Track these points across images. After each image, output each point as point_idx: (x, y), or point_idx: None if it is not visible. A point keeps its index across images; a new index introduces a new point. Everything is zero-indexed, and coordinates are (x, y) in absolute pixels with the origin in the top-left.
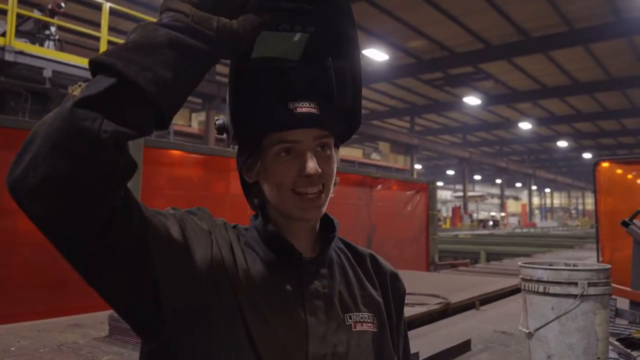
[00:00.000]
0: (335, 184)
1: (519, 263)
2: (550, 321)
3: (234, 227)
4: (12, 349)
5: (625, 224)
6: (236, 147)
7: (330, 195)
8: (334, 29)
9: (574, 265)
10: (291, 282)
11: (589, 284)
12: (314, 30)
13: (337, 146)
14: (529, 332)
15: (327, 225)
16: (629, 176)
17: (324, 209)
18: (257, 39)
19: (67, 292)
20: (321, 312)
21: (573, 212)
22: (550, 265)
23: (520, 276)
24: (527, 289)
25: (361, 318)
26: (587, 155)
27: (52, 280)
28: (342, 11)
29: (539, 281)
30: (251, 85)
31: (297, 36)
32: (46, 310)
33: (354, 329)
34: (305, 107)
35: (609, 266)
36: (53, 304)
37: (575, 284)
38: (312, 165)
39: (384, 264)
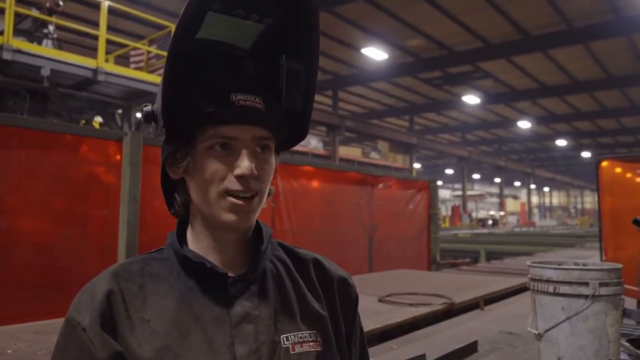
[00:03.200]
0: (270, 193)
1: (528, 263)
2: (561, 322)
3: (134, 261)
4: (9, 351)
5: (637, 223)
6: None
7: (263, 205)
8: (294, 27)
9: (584, 265)
10: (215, 307)
11: (600, 284)
12: (271, 22)
13: (277, 152)
14: (539, 333)
15: (260, 235)
16: (631, 174)
17: (255, 217)
18: (205, 19)
19: (65, 293)
20: (252, 338)
21: (572, 210)
22: (559, 265)
23: (529, 276)
24: (536, 289)
25: (301, 338)
26: (586, 154)
27: (50, 281)
28: (308, 12)
29: (548, 281)
30: (191, 69)
31: (251, 25)
32: (44, 311)
33: (292, 352)
34: (249, 101)
35: (621, 266)
36: (51, 305)
37: (586, 284)
38: (246, 164)
39: (330, 269)
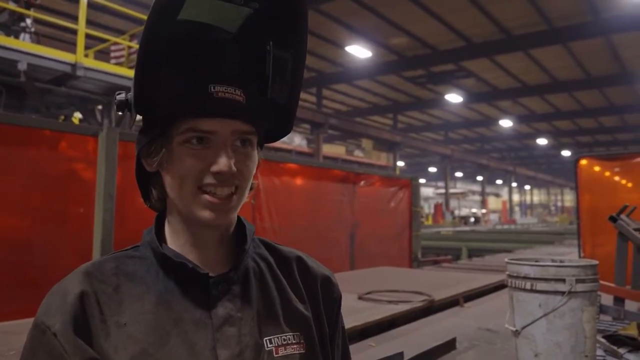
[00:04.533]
0: (252, 188)
1: (505, 260)
2: (538, 319)
3: (107, 260)
4: None
5: (613, 219)
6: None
7: (245, 200)
8: (283, 14)
9: (561, 262)
10: (196, 310)
11: (577, 281)
12: (258, 7)
13: (260, 146)
14: (516, 330)
15: (242, 232)
16: (609, 172)
17: (234, 214)
18: (186, 1)
19: (40, 292)
20: (234, 340)
21: (552, 208)
22: (536, 262)
23: (507, 273)
24: (513, 285)
25: (284, 340)
26: (565, 153)
27: (25, 279)
28: None
29: (525, 278)
30: (168, 55)
31: (236, 8)
32: (16, 310)
33: (276, 355)
34: (228, 93)
35: (597, 262)
36: (24, 304)
37: (563, 280)
38: (224, 161)
39: (313, 267)
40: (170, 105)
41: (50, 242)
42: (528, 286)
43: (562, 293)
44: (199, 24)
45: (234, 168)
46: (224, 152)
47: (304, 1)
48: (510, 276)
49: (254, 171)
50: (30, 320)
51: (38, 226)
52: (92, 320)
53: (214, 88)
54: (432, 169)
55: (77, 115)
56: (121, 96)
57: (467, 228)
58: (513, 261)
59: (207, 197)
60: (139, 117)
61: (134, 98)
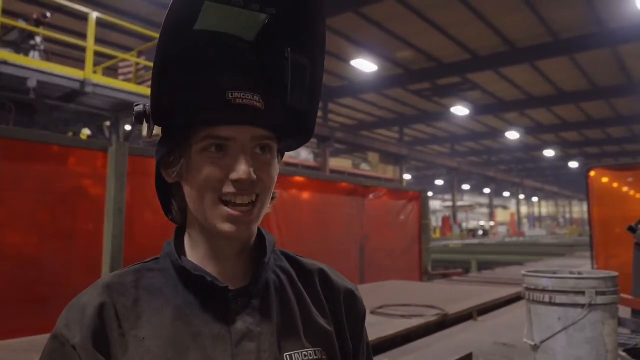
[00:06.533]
0: (273, 198)
1: (522, 272)
2: (557, 332)
3: (128, 272)
4: None
5: (632, 230)
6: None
7: (266, 210)
8: (300, 18)
9: (579, 274)
10: (215, 324)
11: (597, 293)
12: (274, 13)
13: (281, 153)
14: (535, 345)
15: (262, 244)
16: (621, 183)
17: (255, 226)
18: (203, 8)
19: (48, 309)
20: (253, 356)
21: (561, 220)
22: (554, 274)
23: (524, 285)
24: (531, 298)
25: (305, 356)
26: (573, 164)
27: (33, 296)
28: (311, 1)
29: (544, 290)
30: (185, 64)
31: (253, 15)
32: (25, 327)
33: None
34: (246, 99)
35: (617, 274)
36: (33, 321)
37: (583, 293)
38: (244, 168)
39: (336, 281)
40: (188, 113)
41: (58, 258)
42: (547, 299)
43: (582, 306)
44: (217, 34)
45: (253, 176)
46: (244, 159)
47: (321, 5)
48: (527, 289)
49: (275, 180)
50: (39, 337)
51: (46, 242)
52: (111, 333)
53: (231, 94)
54: (439, 182)
55: (86, 131)
56: (139, 107)
57: (475, 241)
58: (530, 273)
59: (227, 209)
60: (156, 130)
61: (152, 108)
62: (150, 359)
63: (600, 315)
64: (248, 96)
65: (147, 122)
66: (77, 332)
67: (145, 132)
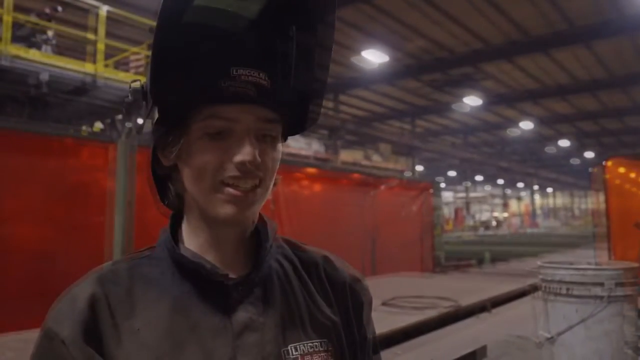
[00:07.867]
0: (275, 183)
1: (538, 263)
2: (575, 325)
3: (121, 261)
4: None
5: (638, 226)
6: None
7: (268, 195)
8: None
9: (598, 265)
10: (215, 315)
11: (616, 284)
12: None
13: (284, 137)
14: (551, 337)
15: (264, 230)
16: (638, 173)
17: (257, 209)
18: None
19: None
20: (255, 348)
21: (576, 211)
22: (572, 265)
23: (540, 277)
24: (547, 290)
25: (310, 348)
26: (589, 154)
27: (44, 289)
28: None
29: (561, 282)
30: (186, 40)
31: None
32: (37, 321)
33: None
34: (252, 76)
35: (637, 265)
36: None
37: (602, 284)
38: (248, 150)
39: (341, 268)
40: (190, 90)
41: (68, 250)
42: (563, 291)
43: (601, 298)
44: (217, 9)
45: (258, 158)
46: (248, 141)
47: None
48: (543, 280)
49: (278, 164)
50: None
51: (55, 234)
52: (103, 326)
53: (236, 71)
54: (452, 173)
55: (98, 125)
56: (136, 83)
57: (489, 232)
58: (547, 264)
59: (229, 189)
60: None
61: (150, 84)
62: (145, 352)
63: (620, 307)
64: (254, 73)
65: (144, 99)
66: (67, 325)
67: (144, 112)
